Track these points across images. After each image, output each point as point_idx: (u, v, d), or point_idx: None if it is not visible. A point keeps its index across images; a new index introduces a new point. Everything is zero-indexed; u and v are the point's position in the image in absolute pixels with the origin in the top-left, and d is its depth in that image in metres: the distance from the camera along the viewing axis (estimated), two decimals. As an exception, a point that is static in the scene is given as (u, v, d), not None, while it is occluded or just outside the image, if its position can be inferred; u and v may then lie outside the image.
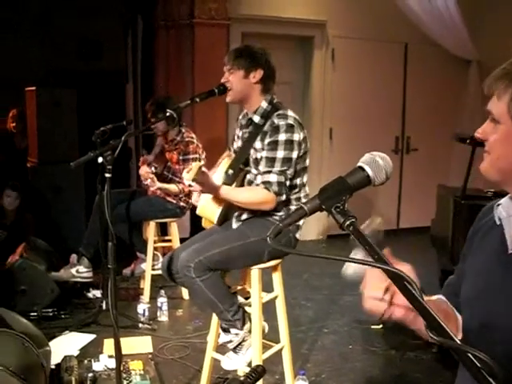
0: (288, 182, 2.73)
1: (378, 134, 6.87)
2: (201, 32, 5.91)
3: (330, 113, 6.76)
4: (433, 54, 6.78)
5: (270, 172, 2.68)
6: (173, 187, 4.47)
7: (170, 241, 4.82)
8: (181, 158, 4.47)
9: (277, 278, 3.02)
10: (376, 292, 1.20)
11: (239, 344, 2.90)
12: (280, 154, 2.68)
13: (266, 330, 3.07)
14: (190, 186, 2.68)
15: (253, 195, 2.76)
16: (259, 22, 6.18)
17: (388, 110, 7.05)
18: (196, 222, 3.89)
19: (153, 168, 4.57)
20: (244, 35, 6.14)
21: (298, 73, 6.73)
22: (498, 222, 1.36)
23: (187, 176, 2.62)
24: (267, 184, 2.67)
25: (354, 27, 6.58)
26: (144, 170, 4.49)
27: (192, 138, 4.52)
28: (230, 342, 2.92)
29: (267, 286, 3.03)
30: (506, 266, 1.28)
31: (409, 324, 1.29)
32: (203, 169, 2.61)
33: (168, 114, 2.65)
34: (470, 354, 0.84)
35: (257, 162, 2.81)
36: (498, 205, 1.37)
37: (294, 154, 2.71)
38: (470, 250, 1.47)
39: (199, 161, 4.44)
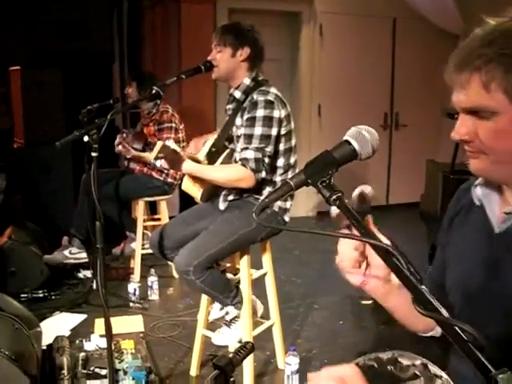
0: (267, 160, 2.66)
1: (367, 109, 6.84)
2: (187, 9, 5.85)
3: (319, 89, 6.72)
4: (421, 28, 6.73)
5: (247, 149, 2.63)
6: (147, 155, 4.39)
7: (159, 219, 4.81)
8: (156, 127, 4.45)
9: (266, 255, 3.02)
10: (350, 261, 1.19)
11: (235, 317, 2.91)
12: (258, 130, 2.63)
13: (259, 314, 3.08)
14: (155, 165, 2.66)
15: (229, 172, 2.72)
16: (246, -3, 6.10)
17: (377, 86, 7.01)
18: (185, 200, 3.87)
19: (135, 145, 4.53)
20: (231, 11, 6.07)
21: (286, 49, 6.68)
22: (477, 203, 1.30)
23: (151, 155, 2.62)
24: (244, 161, 2.63)
25: (341, 2, 6.52)
26: (117, 143, 4.47)
27: (167, 108, 4.51)
28: (227, 313, 2.93)
29: (257, 263, 3.04)
30: (493, 246, 1.24)
31: (381, 300, 1.28)
32: (172, 146, 2.58)
33: (154, 91, 2.62)
34: (456, 327, 0.84)
35: (238, 139, 2.77)
36: (476, 186, 1.30)
37: (273, 131, 2.66)
38: (450, 236, 1.41)
39: (175, 130, 4.42)
